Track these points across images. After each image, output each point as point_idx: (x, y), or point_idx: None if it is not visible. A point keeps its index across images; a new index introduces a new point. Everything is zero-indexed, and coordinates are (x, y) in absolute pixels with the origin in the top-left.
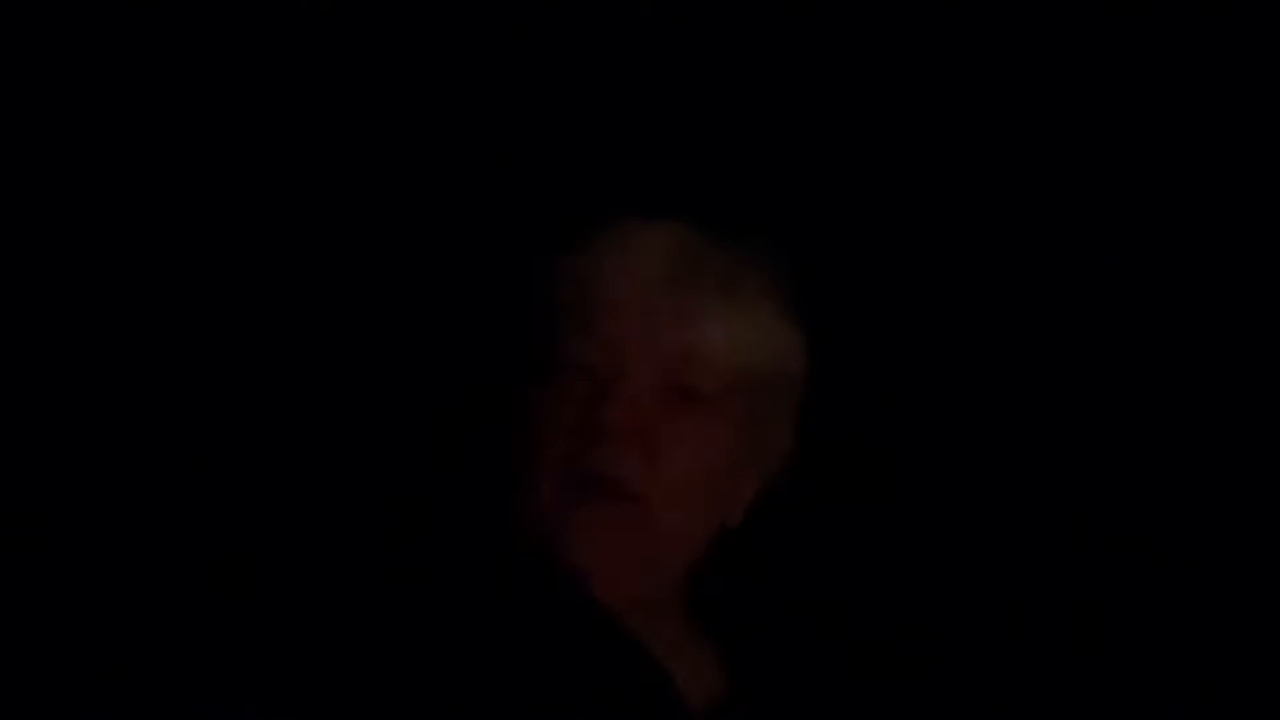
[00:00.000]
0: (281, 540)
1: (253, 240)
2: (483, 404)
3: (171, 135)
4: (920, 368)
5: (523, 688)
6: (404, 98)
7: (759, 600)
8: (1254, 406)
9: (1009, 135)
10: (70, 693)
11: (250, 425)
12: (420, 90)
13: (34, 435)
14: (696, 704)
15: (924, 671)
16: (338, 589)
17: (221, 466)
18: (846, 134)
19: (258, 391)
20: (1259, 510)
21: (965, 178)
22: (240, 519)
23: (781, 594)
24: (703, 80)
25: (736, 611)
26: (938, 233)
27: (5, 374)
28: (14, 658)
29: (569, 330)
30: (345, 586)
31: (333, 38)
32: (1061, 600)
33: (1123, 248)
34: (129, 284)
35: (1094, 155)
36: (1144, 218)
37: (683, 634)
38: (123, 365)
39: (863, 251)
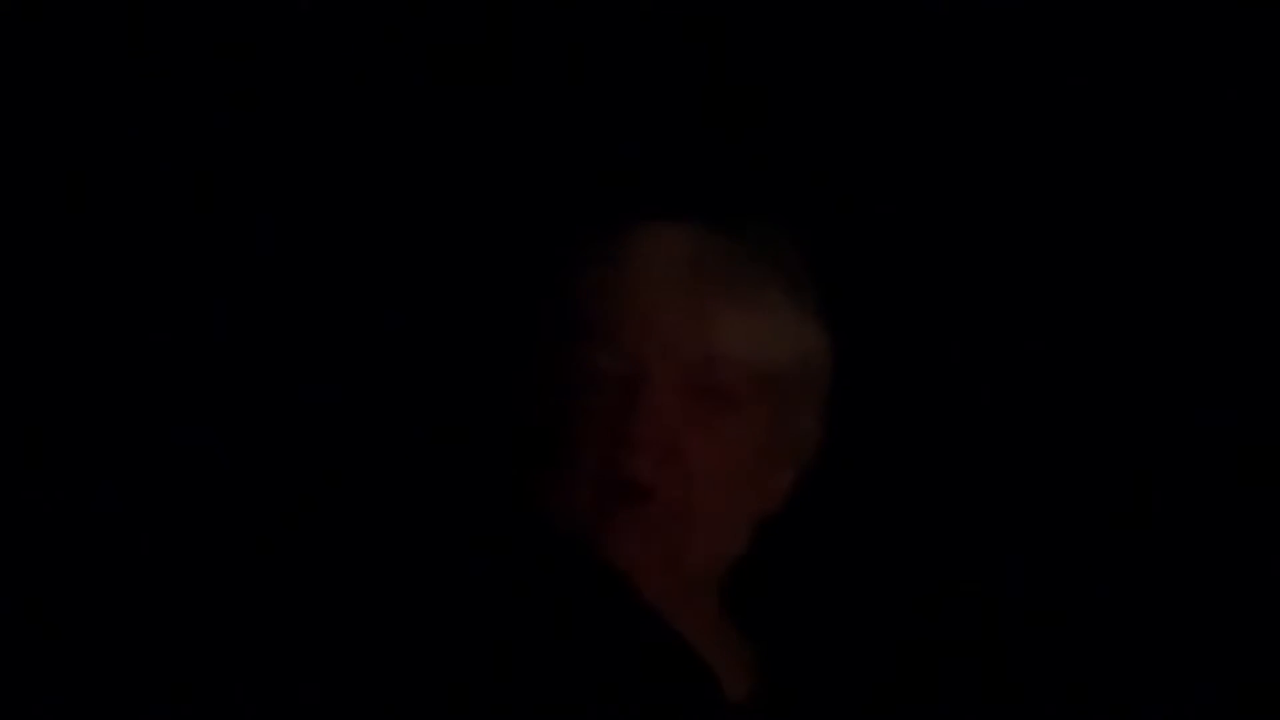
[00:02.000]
0: (326, 541)
1: (287, 255)
2: (514, 415)
3: (181, 138)
4: (950, 359)
5: (564, 679)
6: (426, 109)
7: (792, 596)
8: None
9: (1024, 130)
10: (82, 691)
11: (292, 437)
12: (442, 103)
13: (32, 435)
14: (731, 699)
15: (957, 670)
16: (382, 588)
17: (269, 476)
18: (862, 129)
19: (300, 406)
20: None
21: (981, 170)
22: (282, 525)
23: (815, 590)
24: (717, 80)
25: (770, 607)
26: (955, 221)
27: (5, 374)
28: (14, 658)
29: (592, 341)
30: (387, 585)
31: (351, 46)
32: (1102, 600)
33: (1133, 238)
34: (159, 283)
35: (1103, 145)
36: (1154, 211)
37: (717, 629)
38: (150, 360)
39: (881, 243)
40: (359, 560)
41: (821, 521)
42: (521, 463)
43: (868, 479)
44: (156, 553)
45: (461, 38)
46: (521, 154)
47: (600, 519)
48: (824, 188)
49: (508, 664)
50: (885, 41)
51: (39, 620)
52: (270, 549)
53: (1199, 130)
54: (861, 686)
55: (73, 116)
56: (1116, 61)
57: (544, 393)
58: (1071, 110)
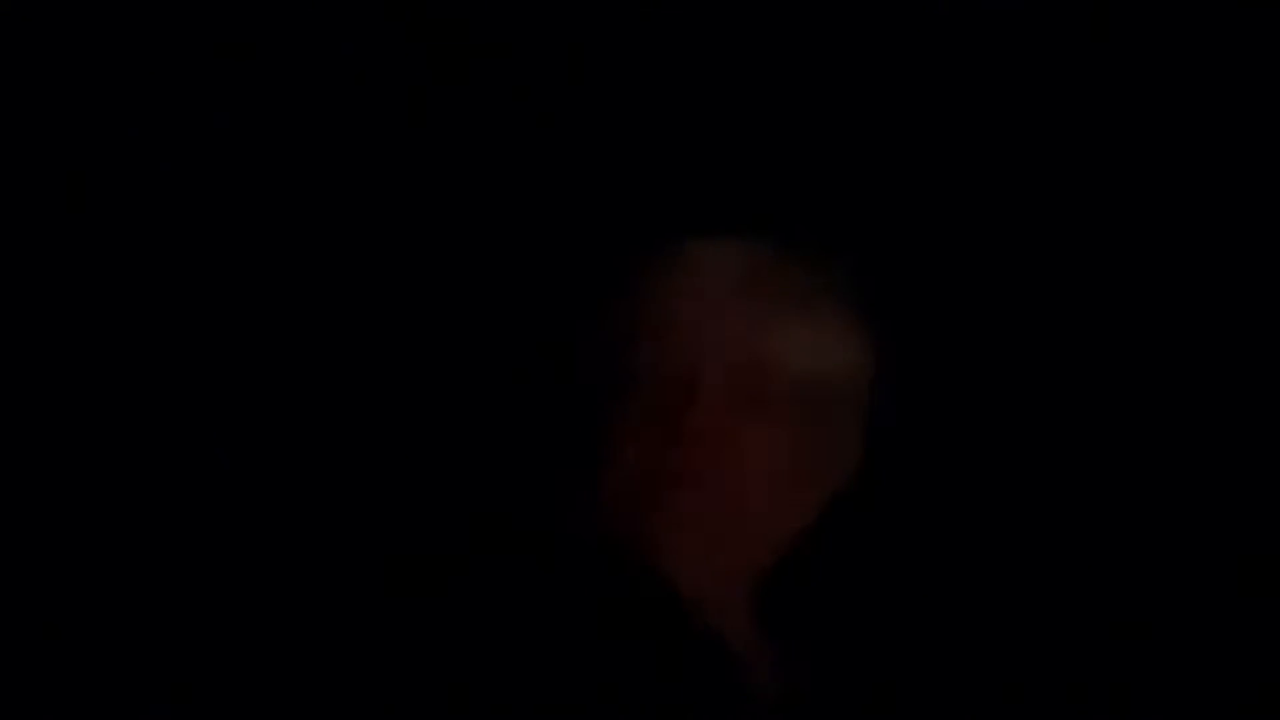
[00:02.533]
0: (370, 537)
1: (347, 256)
2: (567, 411)
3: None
4: (984, 375)
5: (600, 679)
6: (490, 117)
7: (820, 601)
8: None
9: (1073, 150)
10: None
11: (341, 430)
12: (506, 112)
13: (34, 436)
14: (761, 701)
15: (982, 676)
16: (424, 585)
17: (311, 474)
18: (910, 149)
19: (351, 399)
20: None
21: (1029, 190)
22: (324, 519)
23: (841, 596)
24: (770, 100)
25: (798, 612)
26: (1001, 242)
27: (5, 374)
28: (14, 658)
29: (645, 346)
30: (428, 581)
31: (415, 59)
32: (1121, 605)
33: (1180, 258)
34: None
35: (1154, 164)
36: (1201, 230)
37: (748, 633)
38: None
39: (927, 262)
40: (400, 556)
41: (841, 527)
42: (572, 456)
43: (887, 486)
44: (183, 552)
45: (538, 55)
46: (592, 167)
47: (646, 508)
48: (871, 213)
49: (544, 660)
50: (931, 72)
51: (39, 620)
52: (312, 545)
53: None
54: (881, 691)
55: (73, 116)
56: (1155, 85)
57: (598, 389)
58: (1116, 134)
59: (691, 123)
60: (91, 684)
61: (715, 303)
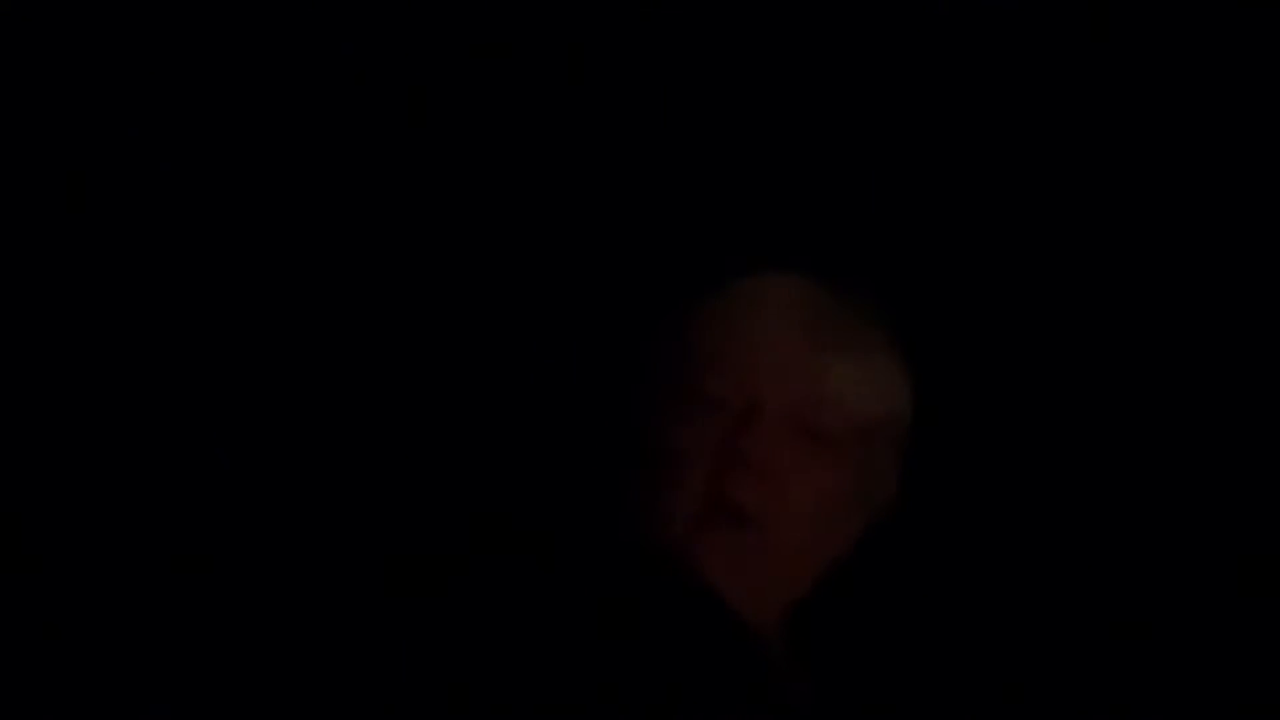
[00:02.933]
0: (440, 558)
1: (416, 284)
2: (628, 434)
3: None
4: (1017, 412)
5: (644, 682)
6: (560, 147)
7: (852, 626)
8: None
9: (1115, 195)
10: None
11: (411, 456)
12: (574, 143)
13: (38, 437)
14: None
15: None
16: (488, 602)
17: (382, 500)
18: (953, 196)
19: (428, 426)
20: None
21: (1069, 237)
22: (404, 543)
23: (872, 622)
24: (834, 144)
25: (829, 636)
26: (1043, 290)
27: (5, 374)
28: (14, 658)
29: (709, 371)
30: (494, 597)
31: (485, 90)
32: (1158, 634)
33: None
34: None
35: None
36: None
37: (779, 653)
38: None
39: (966, 305)
40: (463, 563)
41: (875, 557)
42: (631, 474)
43: (920, 517)
44: (190, 552)
45: (616, 96)
46: (665, 201)
47: (699, 537)
48: (914, 257)
49: (602, 673)
50: (971, 117)
51: (39, 620)
52: (376, 548)
53: None
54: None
55: (73, 116)
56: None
57: (661, 413)
58: (1156, 191)
59: (763, 163)
60: (91, 684)
61: (778, 336)
